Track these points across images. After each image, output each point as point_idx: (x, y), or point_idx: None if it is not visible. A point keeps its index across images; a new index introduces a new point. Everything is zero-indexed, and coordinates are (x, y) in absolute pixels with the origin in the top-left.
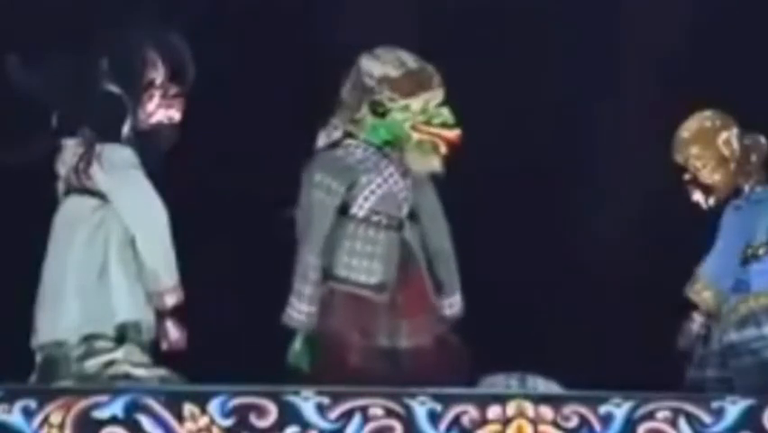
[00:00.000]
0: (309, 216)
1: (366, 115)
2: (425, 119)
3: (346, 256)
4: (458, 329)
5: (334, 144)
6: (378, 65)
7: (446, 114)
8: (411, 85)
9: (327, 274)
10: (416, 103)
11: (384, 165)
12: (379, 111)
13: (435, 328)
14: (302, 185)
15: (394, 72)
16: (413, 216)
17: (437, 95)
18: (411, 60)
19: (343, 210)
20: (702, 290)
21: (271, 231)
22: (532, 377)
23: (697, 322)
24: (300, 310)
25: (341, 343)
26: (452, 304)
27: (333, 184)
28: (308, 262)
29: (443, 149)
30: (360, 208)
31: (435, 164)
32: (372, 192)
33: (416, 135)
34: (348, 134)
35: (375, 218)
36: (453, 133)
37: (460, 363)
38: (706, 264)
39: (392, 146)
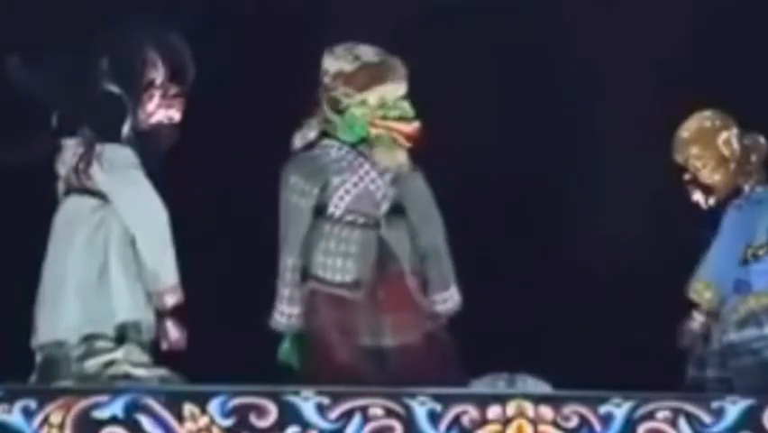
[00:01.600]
0: (286, 219)
1: (329, 113)
2: (383, 113)
3: (322, 256)
4: (457, 329)
5: (312, 144)
6: (332, 61)
7: (404, 107)
8: (365, 78)
9: (306, 274)
10: (372, 97)
11: (359, 163)
12: (337, 108)
13: (423, 325)
14: (280, 188)
15: (348, 67)
16: (400, 211)
17: (396, 88)
18: (370, 54)
19: (321, 210)
20: (703, 291)
21: (271, 230)
22: (521, 377)
23: (697, 321)
24: (282, 312)
25: (325, 342)
26: (446, 299)
27: (307, 186)
28: (286, 264)
29: (404, 143)
30: (336, 208)
31: (400, 159)
32: (347, 192)
33: (373, 131)
34: (325, 134)
35: (350, 217)
36: (411, 127)
37: (449, 360)
38: (706, 264)
39: (366, 143)
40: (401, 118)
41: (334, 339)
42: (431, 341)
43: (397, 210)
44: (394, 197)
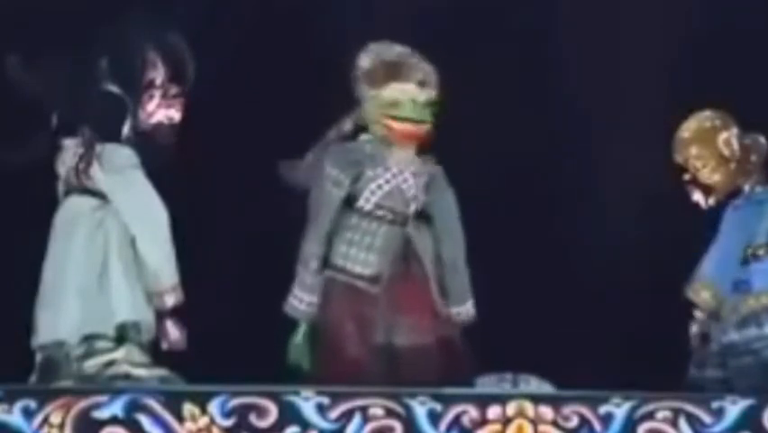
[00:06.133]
0: (316, 207)
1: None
2: (388, 111)
3: (345, 246)
4: (461, 330)
5: (349, 137)
6: (361, 56)
7: (407, 107)
8: (380, 74)
9: (326, 263)
10: (385, 94)
11: (394, 161)
12: (361, 103)
13: (438, 330)
14: (314, 177)
15: (367, 62)
16: (427, 218)
17: (414, 89)
18: (394, 52)
19: (350, 202)
20: (701, 290)
21: (272, 230)
22: (524, 377)
23: (700, 322)
24: (301, 299)
25: (337, 334)
26: (460, 313)
27: (341, 176)
28: (310, 251)
29: (406, 143)
30: (366, 201)
31: (403, 157)
32: (379, 187)
33: (376, 127)
34: (363, 128)
35: (379, 212)
36: (402, 126)
37: (461, 369)
38: (705, 264)
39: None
40: (395, 117)
41: (348, 331)
42: (445, 347)
43: (423, 216)
44: (423, 201)
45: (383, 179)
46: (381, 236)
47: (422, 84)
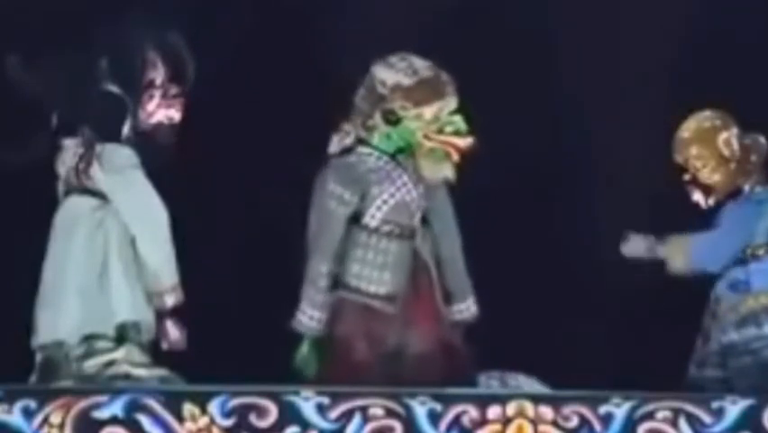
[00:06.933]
0: (321, 225)
1: (379, 123)
2: (437, 127)
3: (357, 266)
4: (461, 329)
5: (347, 150)
6: (390, 73)
7: (459, 122)
8: (423, 93)
9: (338, 283)
10: (428, 111)
11: (397, 174)
12: (392, 119)
13: (442, 334)
14: (314, 191)
15: (406, 81)
16: (424, 220)
17: (450, 103)
18: (424, 68)
19: (356, 219)
20: (677, 254)
21: (272, 231)
22: (513, 375)
23: (642, 244)
24: (312, 317)
25: (350, 350)
26: (462, 310)
27: (346, 194)
28: (319, 270)
29: (455, 157)
30: (372, 218)
31: (447, 172)
32: (385, 202)
33: (427, 144)
34: (360, 141)
35: (387, 228)
36: (465, 142)
37: (463, 371)
38: (697, 240)
39: (405, 153)
40: (456, 133)
41: (360, 348)
42: (448, 351)
43: (422, 220)
44: (423, 208)
45: (388, 194)
46: (393, 254)
47: (452, 95)
